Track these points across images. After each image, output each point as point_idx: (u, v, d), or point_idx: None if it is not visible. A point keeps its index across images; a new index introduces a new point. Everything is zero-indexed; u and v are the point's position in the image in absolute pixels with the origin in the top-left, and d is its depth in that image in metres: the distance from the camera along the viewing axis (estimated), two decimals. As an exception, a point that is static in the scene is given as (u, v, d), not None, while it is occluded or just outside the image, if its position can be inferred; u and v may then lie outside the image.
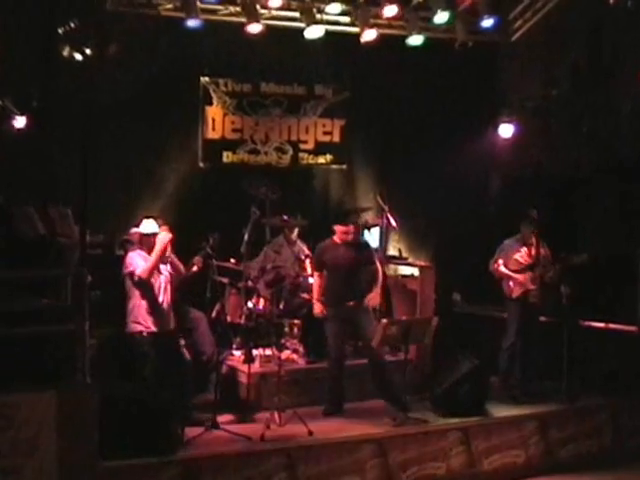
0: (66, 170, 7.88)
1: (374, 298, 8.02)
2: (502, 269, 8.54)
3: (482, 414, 7.89)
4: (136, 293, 7.24)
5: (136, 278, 7.17)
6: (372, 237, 9.53)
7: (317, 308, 8.01)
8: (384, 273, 8.57)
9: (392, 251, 10.02)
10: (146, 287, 7.22)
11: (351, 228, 8.00)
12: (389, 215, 9.24)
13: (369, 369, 7.99)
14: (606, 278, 8.85)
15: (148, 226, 7.39)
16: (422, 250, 10.26)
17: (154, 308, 7.22)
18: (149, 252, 7.28)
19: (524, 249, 8.58)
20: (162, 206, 8.99)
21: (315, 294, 8.09)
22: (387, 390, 7.91)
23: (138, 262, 7.21)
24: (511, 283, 8.57)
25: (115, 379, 7.12)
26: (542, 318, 8.76)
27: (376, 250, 9.33)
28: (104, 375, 6.78)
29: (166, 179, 9.27)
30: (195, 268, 7.75)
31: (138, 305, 7.22)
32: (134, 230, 7.56)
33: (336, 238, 7.99)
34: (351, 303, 7.83)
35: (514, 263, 8.57)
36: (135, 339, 7.19)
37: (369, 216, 9.77)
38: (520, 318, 8.51)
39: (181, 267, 7.57)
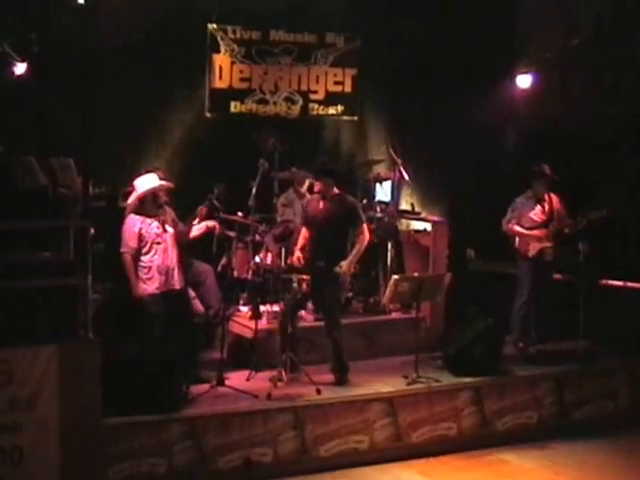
0: (68, 119, 7.64)
1: (345, 267, 7.29)
2: (517, 228, 8.31)
3: (496, 374, 7.73)
4: (140, 254, 7.00)
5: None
6: (384, 191, 9.30)
7: (294, 257, 7.57)
8: (372, 240, 8.11)
9: (404, 205, 9.80)
10: (150, 248, 7.00)
11: (319, 184, 7.53)
12: (402, 168, 9.04)
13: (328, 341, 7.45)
14: (625, 234, 8.62)
15: (149, 181, 7.10)
16: (435, 205, 10.00)
17: (160, 268, 7.01)
18: (147, 213, 7.00)
19: (538, 207, 8.32)
20: (167, 157, 8.82)
21: (299, 244, 7.69)
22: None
23: (128, 236, 6.93)
24: (527, 242, 8.32)
25: (118, 335, 6.97)
26: (557, 276, 8.55)
27: (387, 204, 9.16)
28: (107, 331, 6.65)
29: (171, 129, 9.07)
30: (200, 222, 7.44)
31: (143, 265, 7.00)
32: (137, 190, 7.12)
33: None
34: (321, 264, 7.31)
35: (528, 221, 8.33)
36: (142, 300, 6.98)
37: (381, 169, 9.52)
38: (533, 277, 8.29)
39: (183, 230, 7.31)
